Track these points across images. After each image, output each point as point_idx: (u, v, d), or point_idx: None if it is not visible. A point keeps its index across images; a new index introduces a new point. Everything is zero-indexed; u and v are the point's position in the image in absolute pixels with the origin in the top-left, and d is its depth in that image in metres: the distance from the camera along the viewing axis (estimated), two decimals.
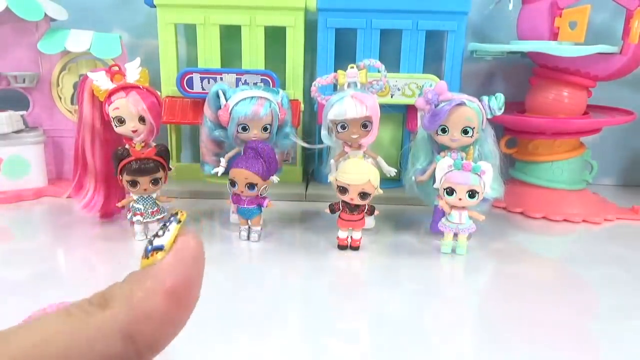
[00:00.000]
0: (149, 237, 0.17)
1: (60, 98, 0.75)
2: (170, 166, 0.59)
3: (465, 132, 0.55)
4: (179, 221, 0.17)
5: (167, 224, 0.17)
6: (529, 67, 0.76)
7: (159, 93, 0.60)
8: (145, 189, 0.56)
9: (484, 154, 0.57)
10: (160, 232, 0.16)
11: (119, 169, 0.56)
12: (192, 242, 0.16)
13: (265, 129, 0.56)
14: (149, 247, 0.16)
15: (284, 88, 0.71)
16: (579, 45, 0.65)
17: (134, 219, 0.57)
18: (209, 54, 0.72)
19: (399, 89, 0.70)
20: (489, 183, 0.54)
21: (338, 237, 0.57)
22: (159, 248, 0.16)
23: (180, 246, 0.16)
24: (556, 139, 0.71)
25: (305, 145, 0.63)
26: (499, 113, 0.56)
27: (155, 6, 0.70)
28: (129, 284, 0.16)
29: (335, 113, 0.54)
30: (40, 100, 0.75)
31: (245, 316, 0.42)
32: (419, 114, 0.61)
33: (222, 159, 0.59)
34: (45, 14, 0.70)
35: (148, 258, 0.16)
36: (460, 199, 0.54)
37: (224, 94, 0.56)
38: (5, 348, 0.14)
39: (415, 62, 0.71)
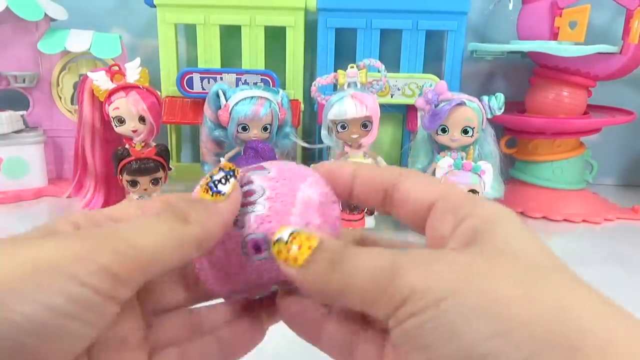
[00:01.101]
0: (211, 177, 0.22)
1: (60, 98, 0.75)
2: (170, 166, 0.59)
3: (465, 132, 0.55)
4: (235, 177, 0.22)
5: (228, 176, 0.22)
6: (529, 67, 0.76)
7: (159, 93, 0.60)
8: (145, 189, 0.56)
9: (484, 154, 0.57)
10: (223, 181, 0.21)
11: (119, 168, 0.56)
12: (238, 195, 0.22)
13: (265, 128, 0.56)
14: (214, 188, 0.21)
15: (284, 88, 0.71)
16: (579, 45, 0.65)
17: None
18: (209, 54, 0.72)
19: (399, 89, 0.70)
20: (489, 183, 0.54)
21: None
22: (221, 193, 0.21)
23: (233, 197, 0.21)
24: (556, 138, 0.71)
25: (305, 145, 0.63)
26: (499, 113, 0.56)
27: (155, 6, 0.70)
28: (200, 209, 0.21)
29: (335, 113, 0.54)
30: (40, 100, 0.75)
31: None
32: (419, 114, 0.61)
33: (222, 159, 0.59)
34: (45, 14, 0.70)
35: (212, 196, 0.21)
36: None
37: (224, 94, 0.56)
38: (112, 244, 0.18)
39: (415, 62, 0.71)
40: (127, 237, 0.19)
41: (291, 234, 0.21)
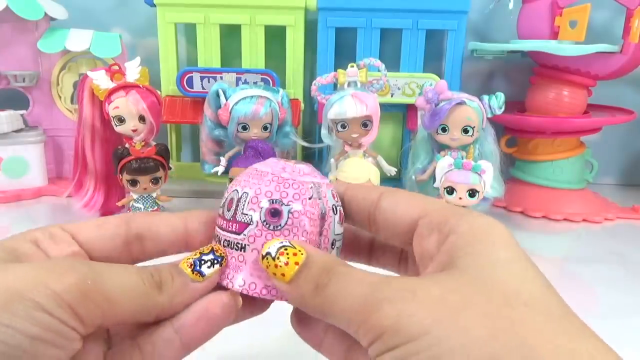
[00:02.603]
0: (200, 254, 0.23)
1: (60, 97, 0.75)
2: (170, 165, 0.59)
3: (465, 131, 0.55)
4: (221, 265, 0.23)
5: (215, 262, 0.22)
6: (529, 66, 0.76)
7: (158, 92, 0.60)
8: (145, 188, 0.56)
9: (484, 153, 0.57)
10: (209, 264, 0.22)
11: (119, 168, 0.56)
12: (215, 278, 0.23)
13: (265, 128, 0.56)
14: (197, 266, 0.22)
15: (284, 87, 0.71)
16: (579, 44, 0.65)
17: None
18: (209, 54, 0.72)
19: (399, 88, 0.70)
20: (489, 182, 0.54)
21: None
22: (202, 274, 0.22)
23: (211, 280, 0.23)
24: (556, 138, 0.71)
25: (305, 144, 0.63)
26: (499, 112, 0.56)
27: (155, 6, 0.70)
28: (177, 283, 0.22)
29: (336, 112, 0.54)
30: (40, 100, 0.75)
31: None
32: (419, 113, 0.61)
33: (222, 158, 0.59)
34: (45, 13, 0.70)
35: (193, 273, 0.22)
36: (460, 198, 0.54)
37: (224, 93, 0.56)
38: (89, 272, 0.19)
39: (415, 62, 0.71)
40: (99, 278, 0.20)
41: (279, 248, 0.21)
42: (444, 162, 0.54)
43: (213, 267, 0.22)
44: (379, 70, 0.57)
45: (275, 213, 0.22)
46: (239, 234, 0.23)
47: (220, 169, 0.59)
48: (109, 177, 0.60)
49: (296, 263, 0.20)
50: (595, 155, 0.78)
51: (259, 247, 0.22)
